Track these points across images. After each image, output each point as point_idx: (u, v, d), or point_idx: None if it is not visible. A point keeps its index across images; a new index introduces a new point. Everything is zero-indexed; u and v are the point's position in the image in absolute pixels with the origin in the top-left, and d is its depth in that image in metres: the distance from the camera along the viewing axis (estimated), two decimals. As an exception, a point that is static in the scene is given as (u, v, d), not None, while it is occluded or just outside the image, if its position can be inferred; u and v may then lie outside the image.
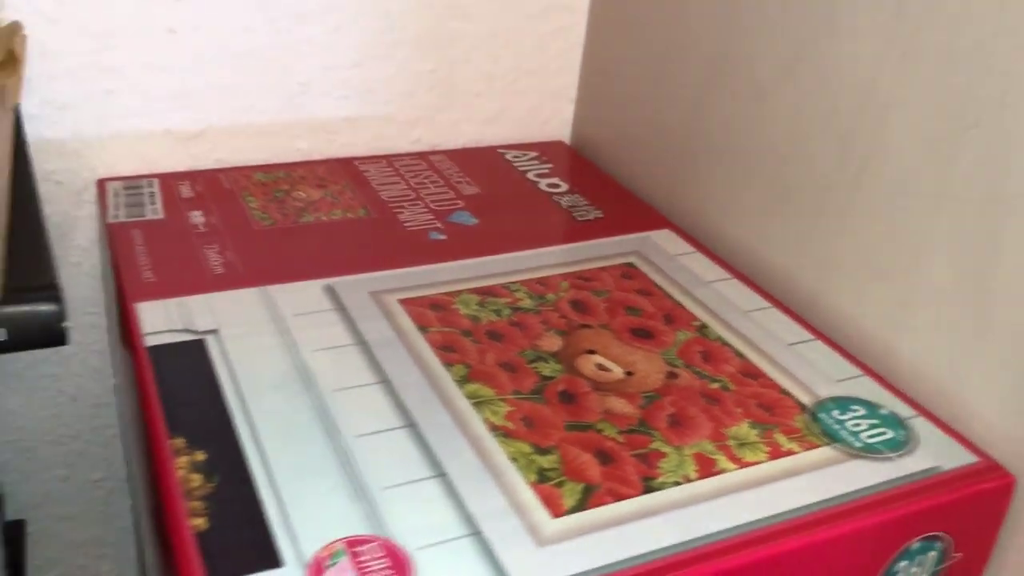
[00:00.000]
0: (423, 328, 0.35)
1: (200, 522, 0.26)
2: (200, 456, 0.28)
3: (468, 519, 0.26)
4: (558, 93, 0.54)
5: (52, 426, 0.50)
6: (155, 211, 0.42)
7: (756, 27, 0.40)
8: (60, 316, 0.27)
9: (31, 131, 0.43)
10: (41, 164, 0.44)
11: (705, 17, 0.43)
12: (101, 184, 0.44)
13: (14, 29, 0.37)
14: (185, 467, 0.28)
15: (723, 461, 0.29)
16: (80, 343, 0.48)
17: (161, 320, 0.34)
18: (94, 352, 0.49)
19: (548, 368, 0.33)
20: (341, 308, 0.36)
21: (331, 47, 0.47)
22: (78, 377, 0.49)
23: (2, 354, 0.29)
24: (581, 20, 0.52)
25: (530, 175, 0.49)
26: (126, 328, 0.34)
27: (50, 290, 0.27)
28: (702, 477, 0.29)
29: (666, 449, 0.30)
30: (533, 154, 0.52)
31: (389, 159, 0.50)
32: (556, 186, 0.48)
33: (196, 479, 0.27)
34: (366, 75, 0.48)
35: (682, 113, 0.45)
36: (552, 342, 0.35)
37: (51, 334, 0.27)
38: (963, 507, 0.29)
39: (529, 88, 0.53)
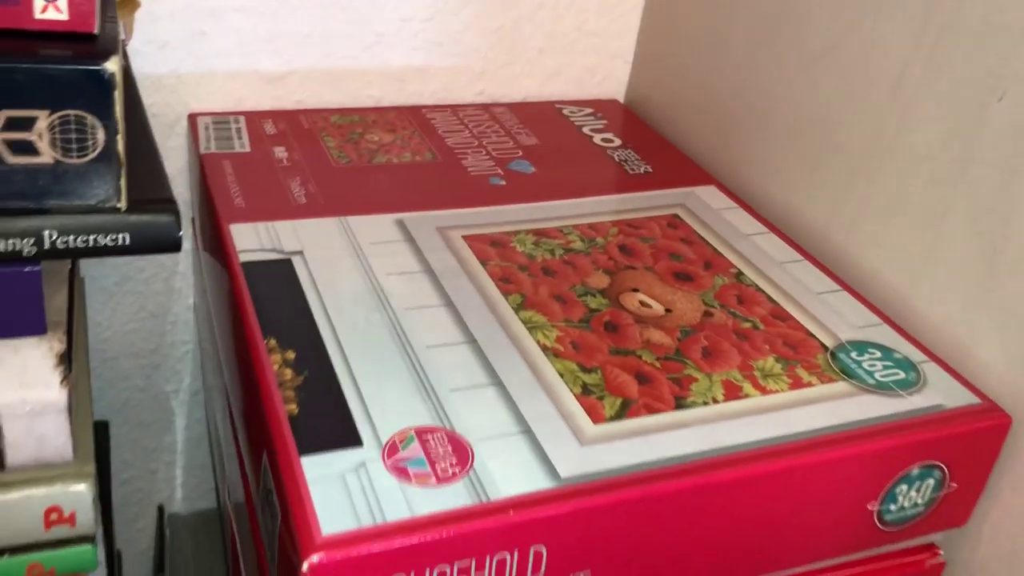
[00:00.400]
0: (483, 261, 0.39)
1: (292, 408, 0.30)
2: (290, 354, 0.32)
3: (520, 420, 0.30)
4: (615, 54, 0.57)
5: (133, 340, 0.54)
6: (242, 145, 0.46)
7: (806, 1, 0.43)
8: (176, 225, 0.31)
9: (134, 66, 0.47)
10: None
11: (759, -12, 0.46)
12: (192, 118, 0.48)
13: (129, -29, 0.41)
14: (278, 363, 0.32)
15: (748, 388, 0.33)
16: (163, 265, 0.53)
17: (252, 240, 0.38)
18: (176, 274, 0.53)
19: (595, 302, 0.37)
20: (410, 240, 0.40)
21: (408, 1, 0.50)
22: (159, 296, 0.54)
23: (123, 256, 0.33)
24: (641, -14, 0.55)
25: (585, 129, 0.52)
26: (220, 246, 0.39)
27: (168, 203, 0.31)
28: (728, 400, 0.32)
29: (698, 375, 0.33)
30: (589, 110, 0.55)
31: (454, 108, 0.53)
32: (609, 141, 0.51)
33: (287, 373, 0.31)
34: (438, 29, 0.52)
35: (731, 78, 0.48)
36: (600, 280, 0.38)
37: (168, 241, 0.31)
38: (961, 441, 0.33)
39: (588, 48, 0.56)
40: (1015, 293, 0.34)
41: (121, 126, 0.29)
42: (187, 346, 0.56)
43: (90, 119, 0.28)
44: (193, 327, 0.55)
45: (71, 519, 0.34)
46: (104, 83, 0.28)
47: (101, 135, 0.28)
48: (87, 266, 0.51)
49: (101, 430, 0.54)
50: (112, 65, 0.28)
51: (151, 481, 0.59)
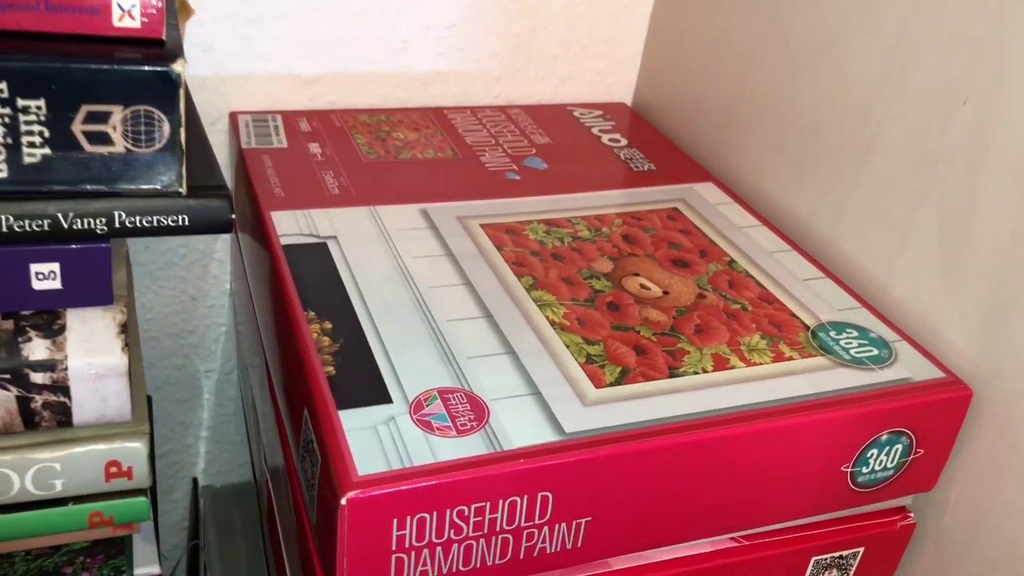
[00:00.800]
0: (499, 247, 0.43)
1: (330, 370, 0.34)
2: (327, 324, 0.36)
3: (530, 383, 0.34)
4: (624, 60, 0.61)
5: (174, 321, 0.59)
6: (280, 141, 0.50)
7: (794, 13, 0.47)
8: (229, 209, 0.35)
9: (181, 68, 0.51)
10: (186, 96, 0.52)
11: (752, 3, 0.50)
12: (233, 116, 0.53)
13: (182, -18, 0.46)
14: (316, 332, 0.36)
15: (735, 360, 0.37)
16: (203, 252, 0.57)
17: (291, 226, 0.42)
18: (214, 260, 0.57)
19: (599, 284, 0.41)
20: (433, 227, 0.44)
21: (431, 9, 0.55)
22: (199, 280, 0.58)
23: (181, 235, 0.37)
24: (649, -3, 0.59)
25: (594, 130, 0.56)
26: (262, 231, 0.43)
27: (222, 189, 0.35)
28: (717, 370, 0.36)
29: (690, 348, 0.37)
30: (598, 112, 0.59)
31: (473, 110, 0.57)
32: (616, 141, 0.55)
33: (325, 340, 0.35)
34: (460, 36, 0.56)
35: (729, 83, 0.52)
36: (604, 265, 0.42)
37: (221, 223, 0.35)
38: (926, 410, 0.36)
39: (599, 54, 0.60)
40: (976, 279, 0.38)
41: (183, 120, 0.33)
42: (222, 328, 0.60)
43: (157, 113, 0.32)
44: (228, 311, 0.59)
45: (128, 473, 0.38)
46: (171, 82, 0.32)
47: (167, 128, 0.33)
48: (134, 252, 0.55)
49: (148, 404, 0.58)
50: (178, 67, 0.32)
51: (186, 455, 0.64)
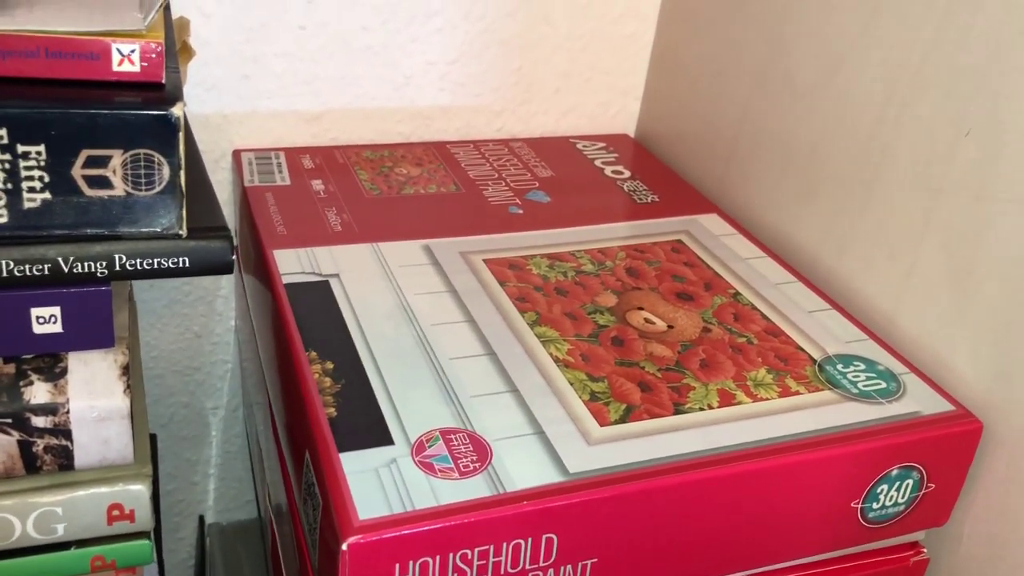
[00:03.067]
0: (502, 283, 0.43)
1: (331, 411, 0.34)
2: (329, 365, 0.36)
3: (534, 422, 0.34)
4: (626, 92, 0.61)
5: (179, 358, 0.59)
6: (283, 178, 0.50)
7: (796, 43, 0.47)
8: (230, 250, 0.35)
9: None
10: (189, 135, 0.52)
11: (754, 32, 0.50)
12: (236, 154, 0.53)
13: (183, 23, 0.46)
14: (318, 372, 0.36)
15: (741, 395, 0.36)
16: (207, 289, 0.57)
17: (294, 264, 0.42)
18: (219, 297, 0.57)
19: (604, 319, 0.41)
20: (436, 263, 0.44)
21: (433, 46, 0.55)
22: (203, 318, 0.58)
23: (182, 277, 0.37)
24: (651, 28, 0.59)
25: (597, 162, 0.56)
26: (265, 270, 0.43)
27: (223, 231, 0.35)
28: (722, 406, 0.36)
29: (695, 384, 0.37)
30: (601, 144, 0.59)
31: (476, 144, 0.57)
32: (620, 173, 0.55)
33: (327, 381, 0.35)
34: (461, 71, 0.56)
35: (731, 114, 0.52)
36: (608, 299, 0.42)
37: (221, 264, 0.35)
38: (936, 444, 0.36)
39: (601, 86, 0.60)
40: (983, 310, 0.37)
41: (183, 163, 0.33)
42: (228, 365, 0.60)
43: (157, 157, 0.32)
44: (234, 347, 0.59)
45: (131, 516, 0.37)
46: (170, 126, 0.32)
47: (167, 171, 0.33)
48: (139, 290, 0.55)
49: (151, 442, 0.58)
50: (177, 110, 0.32)
51: (192, 492, 0.63)
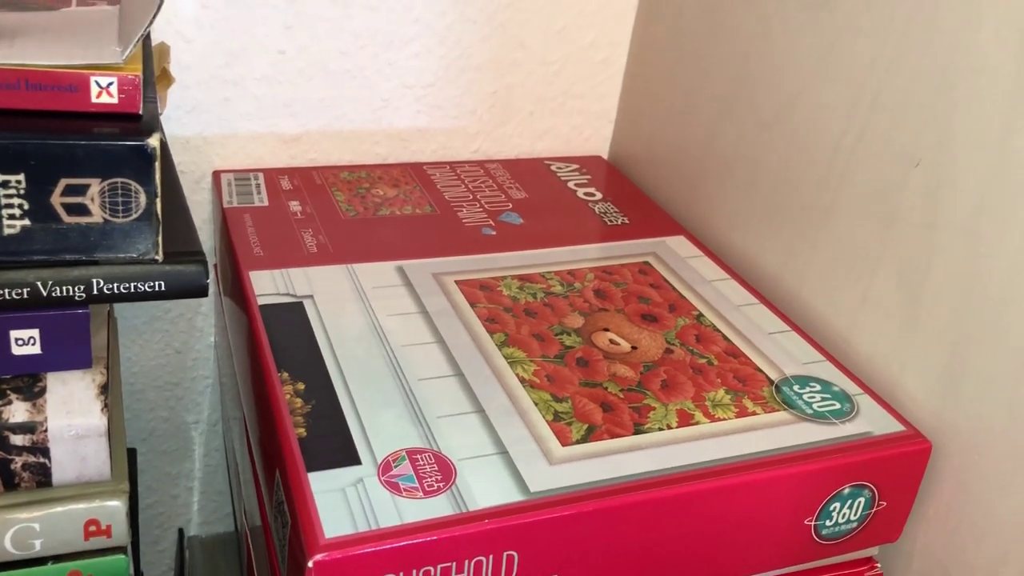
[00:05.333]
0: (473, 304, 0.44)
1: (301, 431, 0.35)
2: (300, 385, 0.37)
3: (498, 442, 0.35)
4: (600, 115, 0.62)
5: (159, 374, 0.59)
6: (261, 199, 0.51)
7: (760, 73, 0.48)
8: (204, 275, 0.36)
9: (165, 129, 0.53)
10: (170, 156, 0.53)
11: (721, 61, 0.51)
12: (216, 175, 0.54)
13: (164, 50, 0.47)
14: (290, 393, 0.37)
15: (699, 416, 0.38)
16: (188, 306, 0.58)
17: (269, 285, 0.43)
18: (199, 314, 0.58)
19: (570, 340, 0.42)
20: (409, 284, 0.45)
21: (410, 70, 0.56)
22: (183, 334, 0.59)
23: (158, 300, 0.38)
24: (623, 53, 0.61)
25: (570, 184, 0.57)
26: (241, 291, 0.44)
27: (198, 255, 0.36)
28: (681, 426, 0.37)
29: (655, 404, 0.38)
30: (574, 166, 0.60)
31: (452, 165, 0.59)
32: (592, 195, 0.56)
33: (298, 402, 0.36)
34: (438, 94, 0.57)
35: (699, 139, 0.54)
36: (575, 320, 0.43)
37: (196, 288, 0.36)
38: (886, 464, 0.37)
39: (575, 110, 0.61)
40: (933, 333, 0.39)
41: (159, 191, 0.34)
42: (207, 380, 0.61)
43: (134, 185, 0.33)
44: (213, 363, 0.60)
45: (107, 531, 0.38)
46: (147, 156, 0.33)
47: (143, 199, 0.34)
48: (120, 307, 0.56)
49: (130, 456, 0.58)
50: (153, 141, 0.33)
51: (172, 506, 0.64)
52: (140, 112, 0.34)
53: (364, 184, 0.54)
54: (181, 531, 0.63)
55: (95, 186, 0.33)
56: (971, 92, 0.37)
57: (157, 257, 0.35)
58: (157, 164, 0.33)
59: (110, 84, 0.33)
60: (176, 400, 0.61)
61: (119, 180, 0.33)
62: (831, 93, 0.44)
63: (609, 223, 0.53)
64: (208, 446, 0.63)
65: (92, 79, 0.33)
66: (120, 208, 0.34)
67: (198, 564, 0.61)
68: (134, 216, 0.34)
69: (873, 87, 0.41)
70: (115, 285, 0.35)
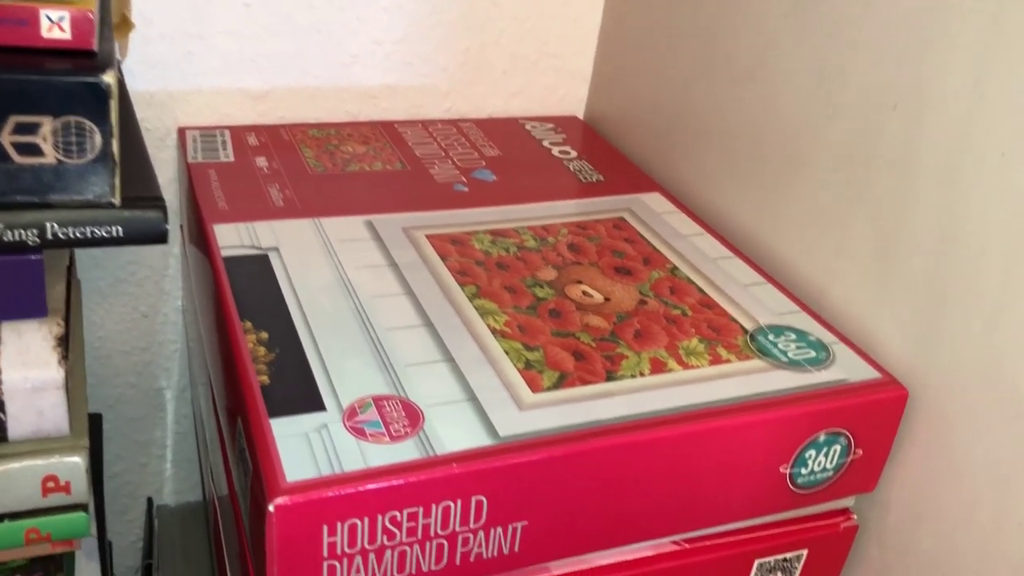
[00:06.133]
0: (444, 257, 0.43)
1: (264, 379, 0.34)
2: (264, 335, 0.36)
3: (468, 389, 0.34)
4: (574, 73, 0.61)
5: (126, 338, 0.58)
6: (227, 155, 0.50)
7: (733, 27, 0.48)
8: (164, 220, 0.35)
9: (129, 84, 0.51)
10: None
11: (695, 16, 0.51)
12: (181, 132, 0.53)
13: (124, -2, 0.46)
14: (252, 342, 0.36)
15: (672, 363, 0.37)
16: (154, 268, 0.57)
17: (234, 238, 0.42)
18: (166, 277, 0.57)
19: (543, 292, 0.41)
20: (378, 238, 0.44)
21: (380, 25, 0.55)
22: (151, 297, 0.57)
23: (116, 246, 0.37)
24: (597, 11, 0.60)
25: (545, 143, 0.57)
26: (205, 244, 0.43)
27: (157, 200, 0.35)
28: (654, 374, 0.36)
29: (628, 353, 0.37)
30: (549, 125, 0.59)
31: (424, 123, 0.57)
32: (566, 153, 0.55)
33: (261, 350, 0.35)
34: (408, 50, 0.56)
35: (674, 96, 0.53)
36: (548, 273, 0.43)
37: (156, 233, 0.35)
38: (862, 411, 0.37)
39: (549, 68, 0.61)
40: (909, 281, 0.38)
41: (116, 131, 0.33)
42: (175, 345, 0.59)
43: (88, 124, 0.32)
44: (181, 327, 0.59)
45: (66, 488, 0.37)
46: (101, 93, 0.32)
47: (98, 139, 0.32)
48: (83, 268, 0.55)
49: (95, 421, 0.57)
50: (108, 77, 0.32)
51: (141, 474, 0.63)
52: (94, 48, 0.32)
53: (333, 141, 0.53)
54: (150, 500, 0.62)
55: (47, 125, 0.32)
56: (944, 32, 0.36)
57: (114, 200, 0.34)
58: (113, 103, 0.32)
59: (61, 18, 0.32)
60: (144, 365, 0.59)
61: (72, 119, 0.32)
62: (804, 40, 0.43)
63: (584, 180, 0.52)
64: (178, 413, 0.62)
65: (42, 12, 0.31)
66: (74, 148, 0.32)
67: (167, 533, 0.60)
68: (89, 157, 0.33)
69: (847, 33, 0.41)
70: (70, 229, 0.33)
